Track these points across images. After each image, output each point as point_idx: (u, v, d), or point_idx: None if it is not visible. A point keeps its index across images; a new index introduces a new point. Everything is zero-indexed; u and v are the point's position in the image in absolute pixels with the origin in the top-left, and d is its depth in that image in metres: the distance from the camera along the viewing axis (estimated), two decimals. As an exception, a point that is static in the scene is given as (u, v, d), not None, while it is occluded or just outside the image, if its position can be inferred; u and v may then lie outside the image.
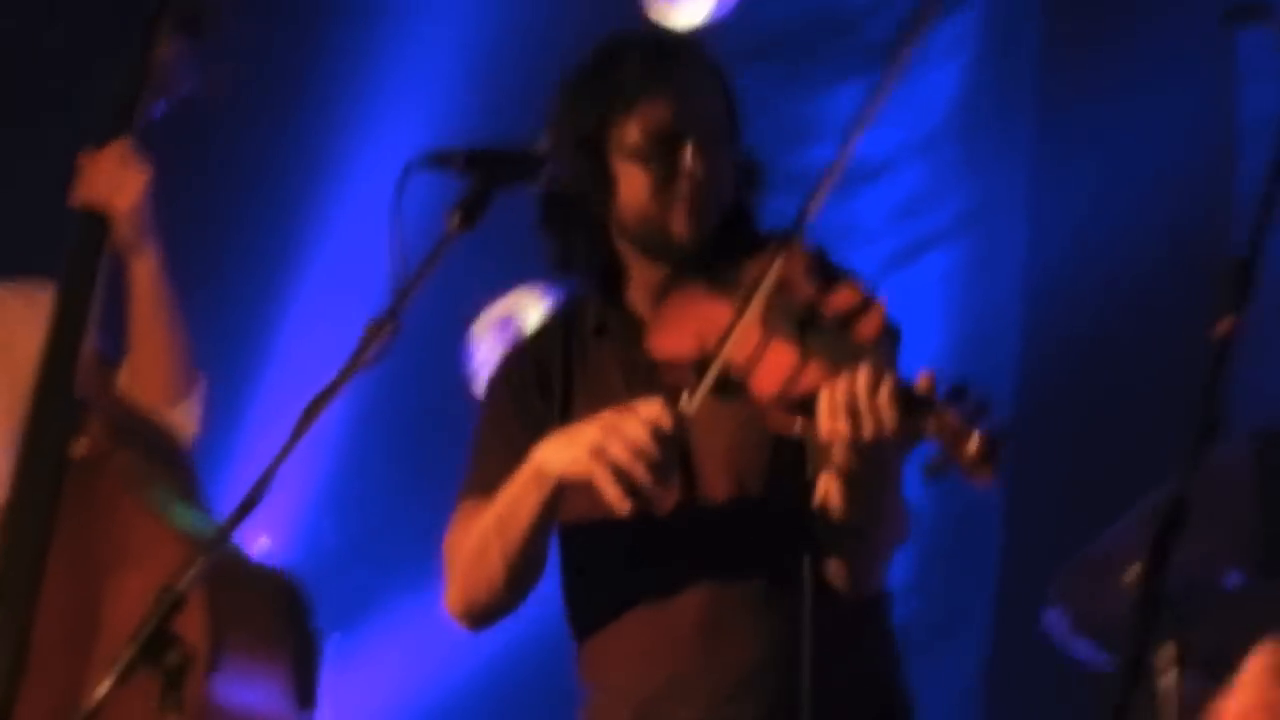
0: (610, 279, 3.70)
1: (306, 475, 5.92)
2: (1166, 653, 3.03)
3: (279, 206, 6.19)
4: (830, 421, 3.26)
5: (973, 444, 3.15)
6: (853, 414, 3.23)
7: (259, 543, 5.63)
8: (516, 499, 3.50)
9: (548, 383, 3.73)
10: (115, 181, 4.08)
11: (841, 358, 3.29)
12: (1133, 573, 3.18)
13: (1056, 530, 3.85)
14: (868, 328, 3.40)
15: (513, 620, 6.32)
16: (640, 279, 3.67)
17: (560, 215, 3.69)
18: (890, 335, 3.49)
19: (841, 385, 3.24)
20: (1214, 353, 2.92)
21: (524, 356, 3.83)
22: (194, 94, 4.18)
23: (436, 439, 6.40)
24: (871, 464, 3.34)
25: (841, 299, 3.44)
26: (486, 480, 3.59)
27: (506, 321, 6.50)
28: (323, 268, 6.06)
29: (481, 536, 3.57)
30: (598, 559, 3.67)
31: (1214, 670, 3.46)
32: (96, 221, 4.08)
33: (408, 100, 6.28)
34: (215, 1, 4.18)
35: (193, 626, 3.47)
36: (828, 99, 4.28)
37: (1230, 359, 2.95)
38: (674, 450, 3.34)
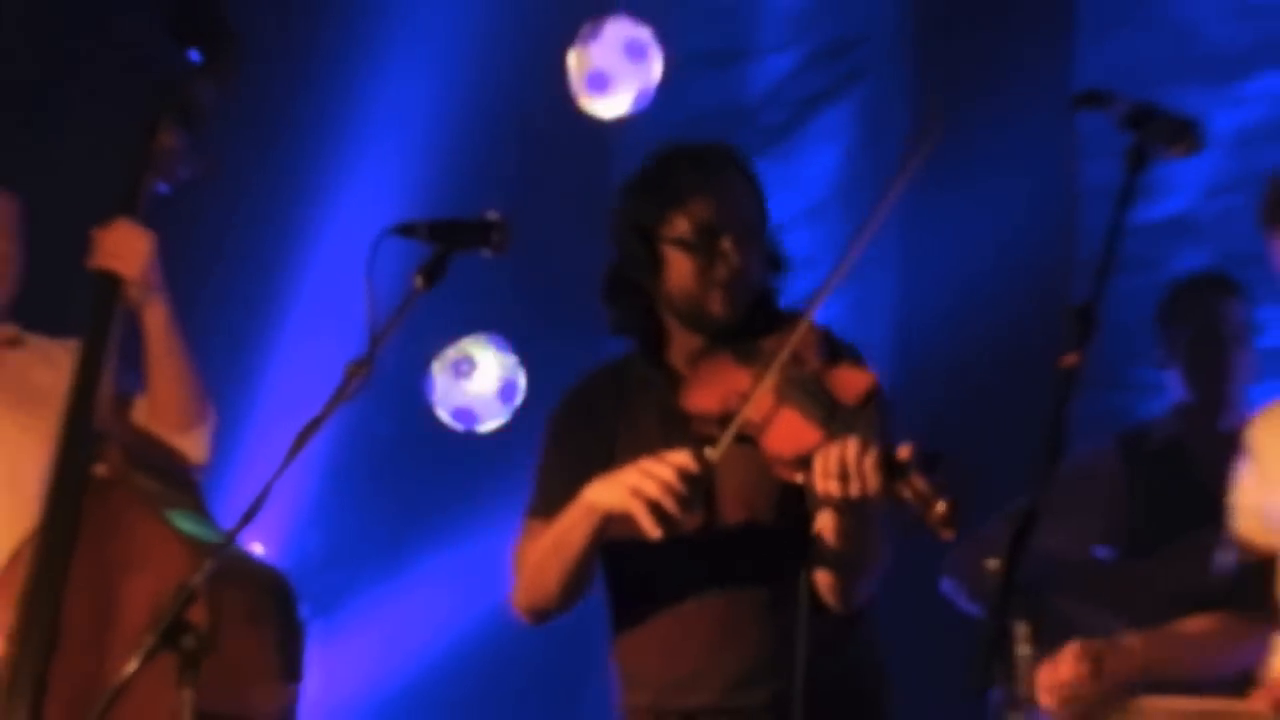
0: (654, 341, 3.83)
1: (294, 492, 5.86)
2: (1022, 629, 3.09)
3: (267, 266, 6.13)
4: (823, 481, 3.39)
5: (939, 508, 3.28)
6: (841, 478, 3.36)
7: (253, 549, 5.53)
8: (570, 528, 3.66)
9: (598, 422, 3.85)
10: (124, 250, 4.05)
11: (837, 427, 3.43)
12: (994, 564, 3.06)
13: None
14: (862, 399, 3.51)
15: (466, 612, 6.32)
16: (680, 344, 3.79)
17: (618, 289, 3.84)
18: (881, 404, 3.57)
19: (834, 452, 3.37)
20: (1061, 381, 2.97)
21: (581, 399, 3.96)
22: (191, 177, 4.16)
23: (401, 460, 6.50)
24: (857, 513, 3.45)
25: (841, 373, 3.57)
26: (548, 504, 3.77)
27: (459, 362, 6.39)
28: (305, 318, 6.02)
29: (542, 554, 3.74)
30: (634, 571, 3.77)
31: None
32: (110, 283, 4.03)
33: (374, 170, 6.26)
34: (209, 99, 4.12)
35: (197, 614, 3.43)
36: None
37: (1075, 386, 2.99)
38: (698, 489, 3.48)
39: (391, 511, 6.43)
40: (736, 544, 3.71)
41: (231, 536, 3.52)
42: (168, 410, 4.13)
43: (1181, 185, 5.93)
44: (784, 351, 3.51)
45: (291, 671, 3.91)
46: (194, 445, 4.14)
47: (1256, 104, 6.10)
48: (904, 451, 3.33)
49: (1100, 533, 4.71)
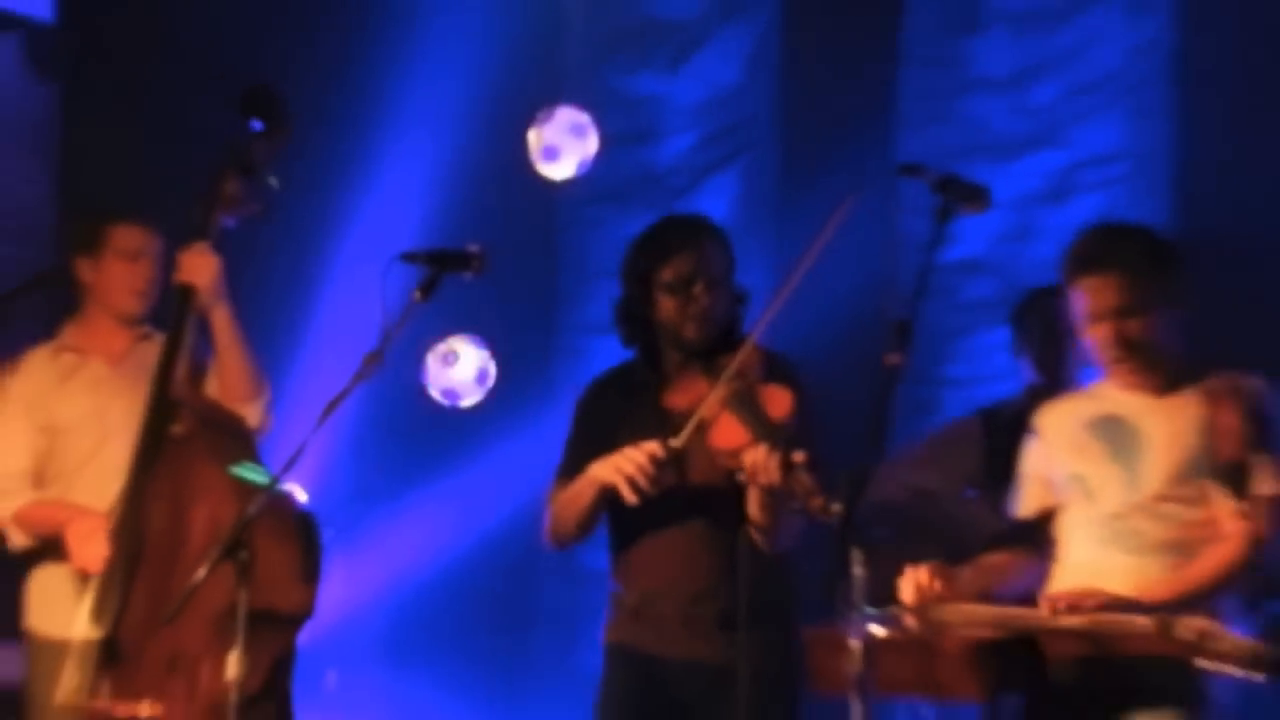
0: (652, 353, 3.89)
1: (325, 448, 5.70)
2: (857, 555, 2.95)
3: (305, 280, 6.12)
4: (747, 473, 3.51)
5: (817, 501, 3.33)
6: (754, 472, 3.48)
7: (294, 489, 5.44)
8: (580, 491, 3.77)
9: (608, 410, 3.91)
10: (197, 268, 4.03)
11: (760, 433, 3.50)
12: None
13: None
14: (781, 411, 3.57)
15: (451, 537, 6.20)
16: (668, 357, 3.85)
17: (625, 316, 3.90)
18: (802, 413, 3.61)
19: (753, 453, 3.48)
20: (887, 375, 3.08)
21: (598, 390, 4.02)
22: (250, 215, 4.13)
23: (404, 425, 6.36)
24: (771, 493, 3.54)
25: (771, 391, 3.62)
26: (568, 469, 3.85)
27: (447, 355, 6.34)
28: (332, 319, 5.97)
29: (562, 506, 3.84)
30: (626, 517, 3.78)
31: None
32: (187, 292, 4.03)
33: (384, 211, 6.24)
34: (266, 158, 4.09)
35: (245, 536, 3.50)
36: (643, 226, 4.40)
37: (897, 378, 3.09)
38: (666, 467, 3.61)
39: (396, 462, 6.35)
40: (698, 501, 3.75)
41: (275, 482, 3.58)
42: (232, 387, 4.09)
43: (973, 235, 5.85)
44: (731, 368, 3.58)
45: (311, 577, 3.85)
46: (253, 413, 4.09)
47: (1029, 178, 6.02)
48: (798, 457, 3.39)
49: (966, 479, 4.62)
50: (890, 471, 4.08)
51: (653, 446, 3.61)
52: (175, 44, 6.48)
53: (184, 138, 6.07)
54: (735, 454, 3.55)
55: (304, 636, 5.33)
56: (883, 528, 3.59)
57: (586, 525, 3.86)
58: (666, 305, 3.82)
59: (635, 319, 3.90)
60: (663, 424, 3.67)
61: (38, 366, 4.25)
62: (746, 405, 3.58)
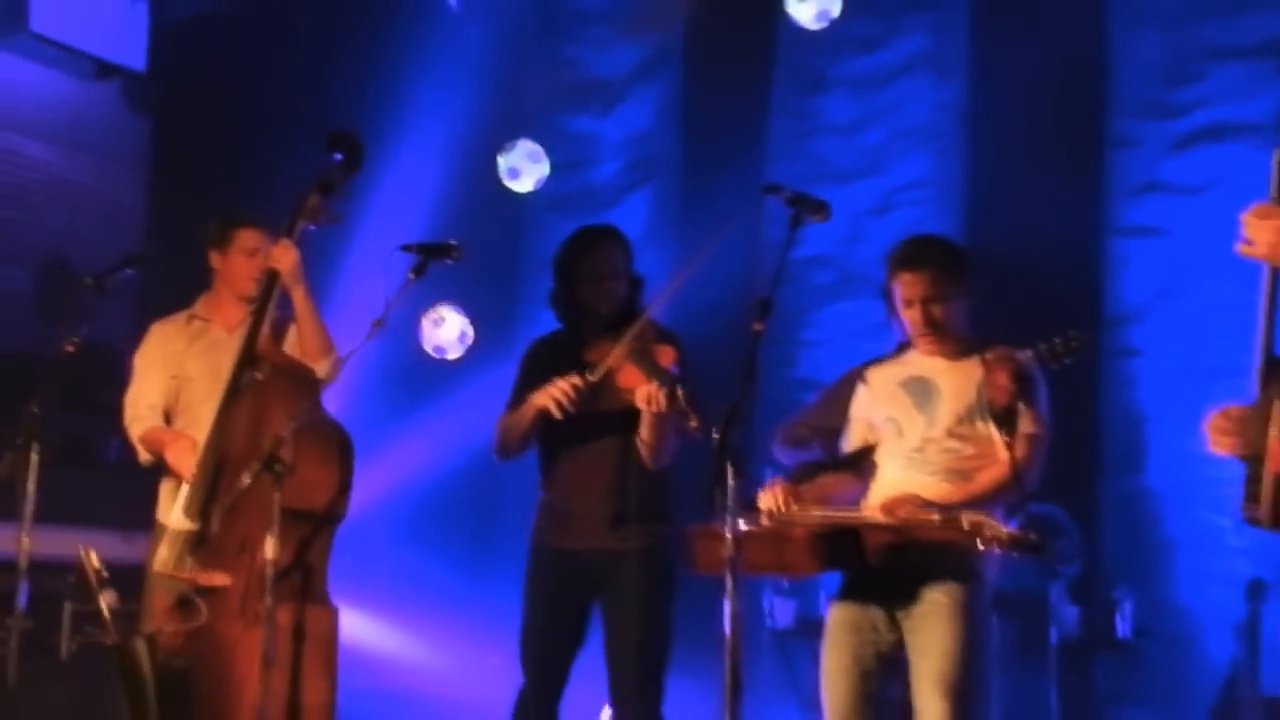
0: (575, 324, 3.80)
1: (352, 386, 5.52)
2: (730, 470, 2.85)
3: (340, 265, 5.85)
4: (640, 402, 3.48)
5: (692, 423, 3.33)
6: (648, 401, 3.45)
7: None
8: (523, 414, 3.71)
9: (541, 363, 3.80)
10: (281, 258, 3.91)
11: (651, 373, 3.48)
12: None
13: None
14: (667, 361, 3.54)
15: (443, 453, 6.13)
16: (587, 328, 3.75)
17: (557, 301, 3.83)
18: (681, 365, 3.57)
19: (644, 389, 3.45)
20: (752, 338, 3.02)
21: (535, 350, 3.91)
22: (326, 223, 3.99)
23: (406, 372, 6.26)
24: (658, 418, 3.52)
25: (661, 348, 3.58)
26: (514, 403, 3.78)
27: (436, 319, 6.26)
28: (352, 290, 5.66)
29: (508, 428, 3.78)
30: (551, 439, 3.76)
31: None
32: (273, 275, 3.90)
33: (392, 211, 6.10)
34: (341, 181, 3.95)
35: (286, 453, 3.47)
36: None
37: (760, 341, 3.03)
38: (583, 393, 3.57)
39: (402, 399, 6.23)
40: (603, 422, 3.68)
41: (309, 411, 3.56)
42: (307, 347, 3.96)
43: (819, 239, 5.81)
44: (631, 331, 3.55)
45: (344, 489, 3.76)
46: (323, 367, 3.94)
47: (861, 198, 5.99)
48: (679, 390, 3.39)
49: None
50: (800, 418, 3.97)
51: (575, 378, 3.58)
52: (237, 91, 6.47)
53: (241, 161, 6.24)
54: (634, 391, 3.50)
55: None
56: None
57: (524, 442, 3.80)
58: (585, 290, 3.76)
59: (562, 300, 3.85)
60: (583, 368, 3.62)
61: (174, 329, 4.17)
62: (643, 357, 3.53)
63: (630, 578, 3.66)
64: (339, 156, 3.93)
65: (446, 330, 6.27)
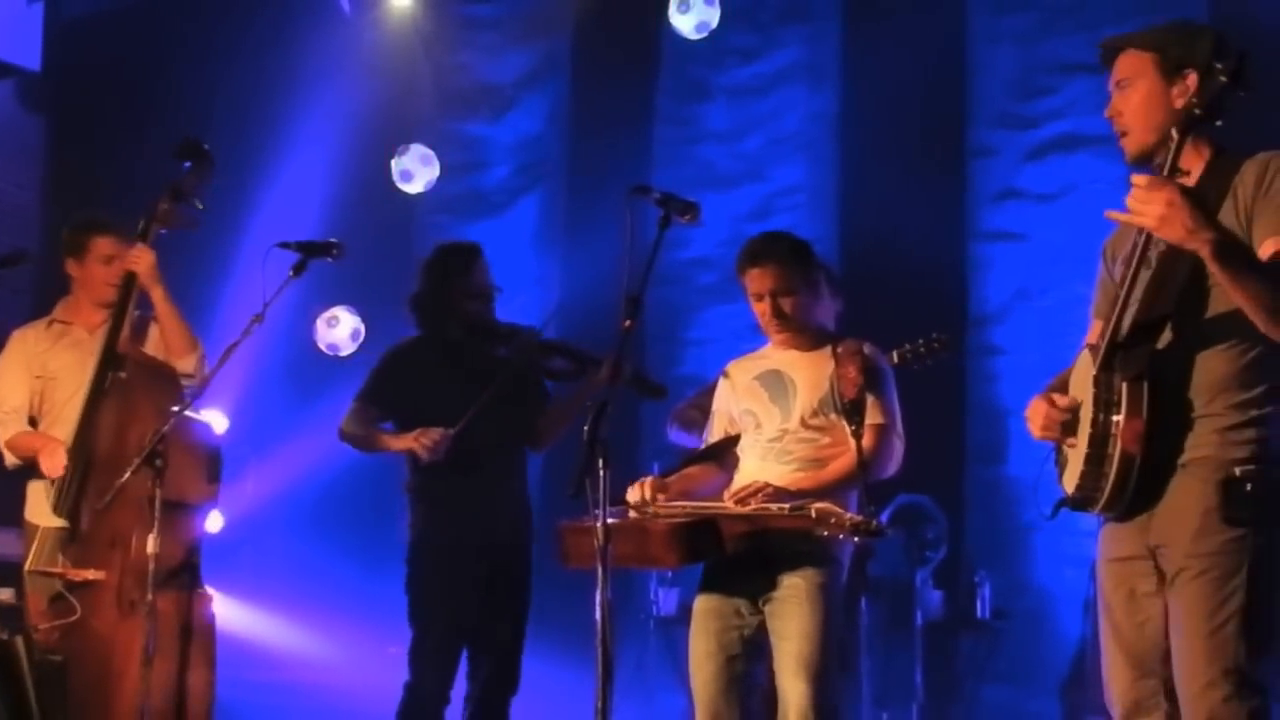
0: (436, 329, 3.92)
1: (243, 383, 5.60)
2: (597, 458, 2.79)
3: (218, 264, 5.74)
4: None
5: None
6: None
7: (213, 415, 5.19)
8: (376, 443, 4.03)
9: (402, 362, 3.93)
10: (137, 261, 3.88)
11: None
12: (588, 432, 2.95)
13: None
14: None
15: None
16: (449, 332, 3.86)
17: (434, 311, 3.92)
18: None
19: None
20: (622, 335, 3.03)
21: (398, 351, 4.01)
22: (181, 228, 3.98)
23: (300, 370, 6.19)
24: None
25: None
26: (368, 395, 3.93)
27: (330, 319, 6.16)
28: (236, 290, 5.52)
29: (358, 439, 4.02)
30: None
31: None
32: (129, 277, 3.89)
33: (278, 212, 5.96)
34: (193, 187, 3.93)
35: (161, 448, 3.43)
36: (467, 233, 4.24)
37: (630, 339, 3.04)
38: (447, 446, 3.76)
39: (294, 393, 6.13)
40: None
41: (185, 407, 3.51)
42: (170, 345, 3.94)
43: (703, 241, 5.80)
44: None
45: (213, 478, 3.75)
46: (187, 365, 3.91)
47: (742, 203, 6.00)
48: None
49: None
50: (691, 401, 4.00)
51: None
52: (132, 90, 6.35)
53: (136, 160, 5.99)
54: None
55: (229, 520, 5.19)
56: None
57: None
58: (469, 305, 3.83)
59: (438, 311, 3.87)
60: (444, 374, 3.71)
61: (35, 333, 4.08)
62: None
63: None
64: (188, 165, 3.92)
65: (340, 329, 6.20)
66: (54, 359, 4.00)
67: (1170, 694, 2.39)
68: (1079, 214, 5.42)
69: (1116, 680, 2.45)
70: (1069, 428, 2.44)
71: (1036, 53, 5.60)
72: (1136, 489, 2.32)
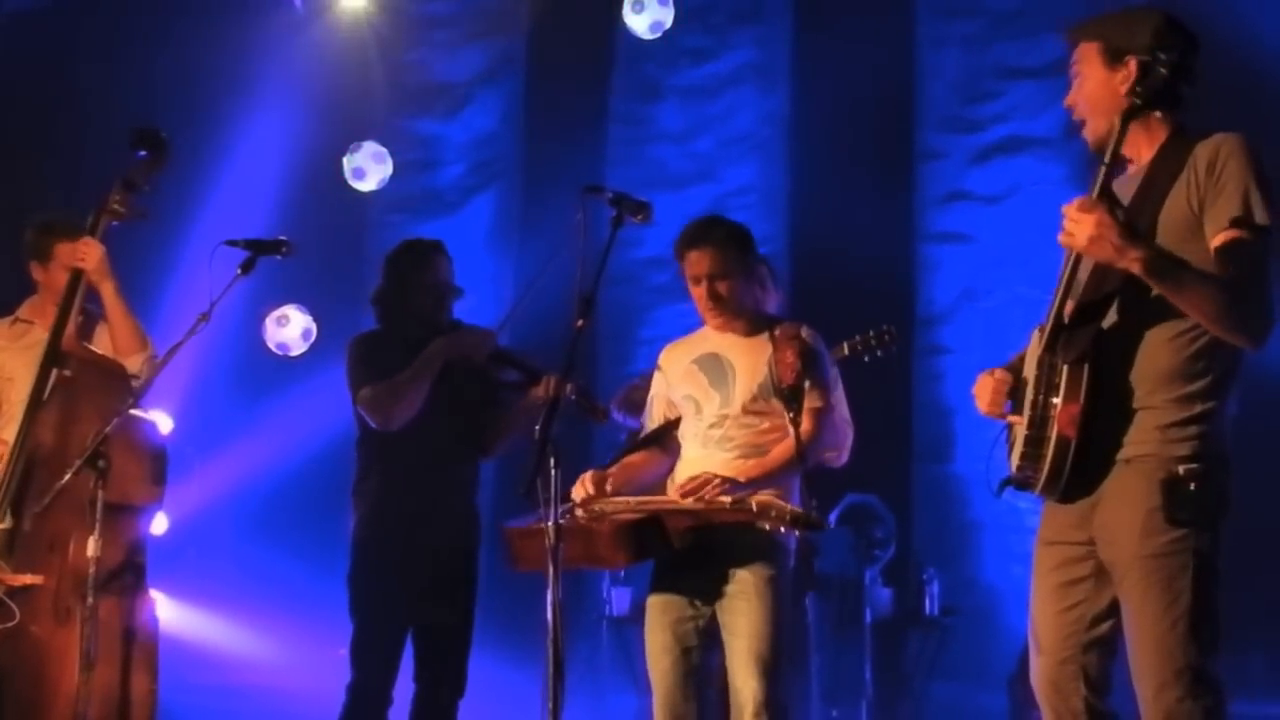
0: (396, 324, 3.76)
1: (190, 382, 5.38)
2: (550, 459, 2.76)
3: (166, 260, 5.53)
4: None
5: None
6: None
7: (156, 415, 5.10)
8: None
9: (382, 345, 3.72)
10: (85, 256, 3.71)
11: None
12: (539, 432, 2.87)
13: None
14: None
15: (286, 448, 5.92)
16: (408, 329, 3.70)
17: (392, 307, 3.76)
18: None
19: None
20: (576, 334, 2.93)
21: (367, 340, 3.80)
22: (130, 218, 3.76)
23: (250, 368, 6.06)
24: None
25: None
26: (378, 374, 3.65)
27: (280, 317, 6.04)
28: (183, 286, 5.31)
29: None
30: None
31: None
32: (76, 274, 3.70)
33: (229, 208, 5.82)
34: (145, 178, 3.74)
35: (104, 447, 3.26)
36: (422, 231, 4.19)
37: (581, 337, 2.94)
38: None
39: (244, 392, 6.04)
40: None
41: (130, 407, 3.36)
42: (119, 343, 3.77)
43: (656, 240, 5.58)
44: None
45: (158, 480, 3.59)
46: (135, 363, 3.74)
47: (694, 202, 5.85)
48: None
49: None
50: (636, 383, 3.97)
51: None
52: (77, 83, 6.18)
53: (79, 153, 5.91)
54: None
55: (174, 522, 5.03)
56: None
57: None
58: (424, 301, 3.72)
59: (395, 307, 3.77)
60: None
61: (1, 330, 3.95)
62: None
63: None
64: (143, 154, 3.75)
65: (291, 329, 6.07)
66: (12, 358, 3.84)
67: (1089, 681, 2.36)
68: (1023, 215, 5.44)
69: (1038, 661, 2.42)
70: (1018, 404, 2.38)
71: (982, 58, 5.65)
72: (1073, 472, 2.27)
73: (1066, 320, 2.29)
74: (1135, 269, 2.20)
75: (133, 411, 3.45)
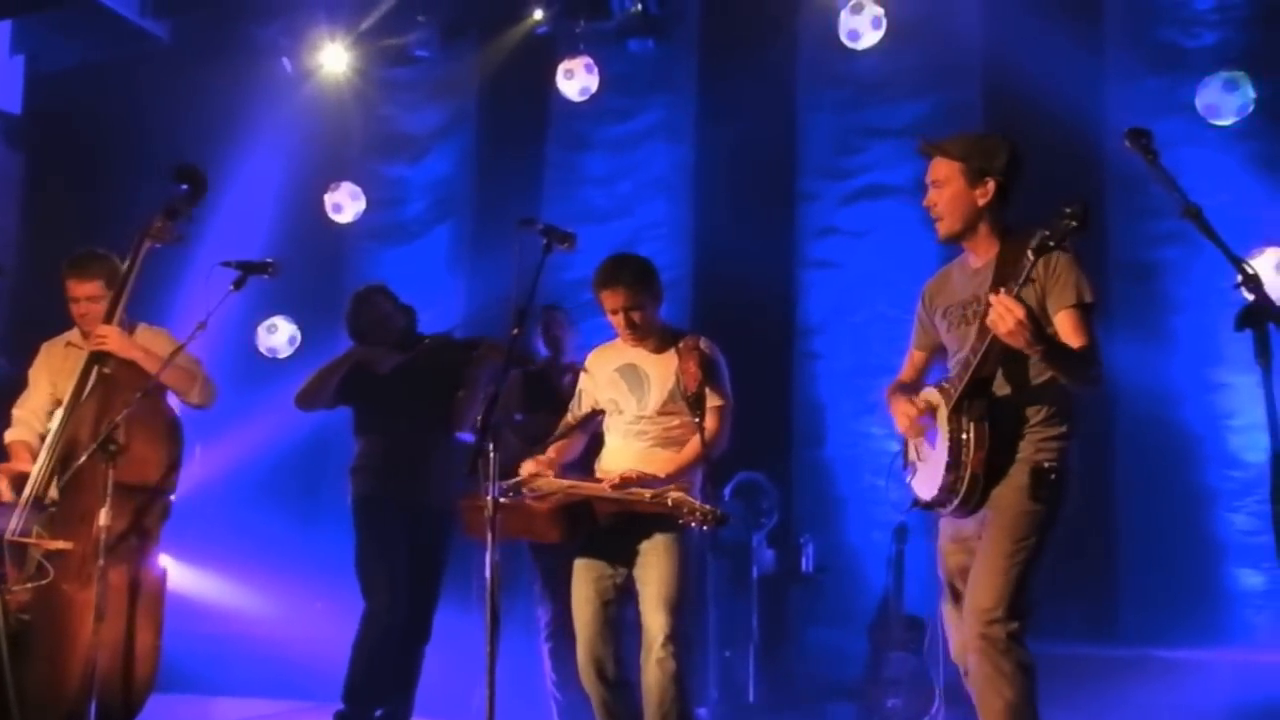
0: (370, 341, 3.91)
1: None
2: (490, 447, 2.80)
3: (178, 276, 5.22)
4: None
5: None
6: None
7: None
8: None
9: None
10: (105, 339, 3.56)
11: None
12: (480, 421, 2.89)
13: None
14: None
15: (277, 431, 5.80)
16: (376, 344, 3.91)
17: (355, 336, 3.93)
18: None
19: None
20: (510, 341, 2.99)
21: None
22: (170, 244, 3.67)
23: (246, 369, 5.97)
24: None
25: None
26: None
27: (270, 325, 6.04)
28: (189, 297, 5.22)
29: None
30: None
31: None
32: (102, 355, 3.55)
33: (226, 235, 5.64)
34: (186, 208, 3.64)
35: (121, 434, 3.26)
36: (391, 258, 4.10)
37: (518, 342, 2.98)
38: None
39: (239, 389, 5.64)
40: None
41: (140, 396, 3.27)
42: (175, 390, 3.61)
43: (583, 265, 5.58)
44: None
45: (174, 466, 3.52)
46: (195, 399, 3.61)
47: (615, 235, 5.87)
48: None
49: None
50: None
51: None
52: (103, 132, 6.19)
53: (104, 192, 5.95)
54: None
55: (180, 494, 4.97)
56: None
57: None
58: (370, 335, 3.89)
59: (356, 337, 3.94)
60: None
61: (58, 349, 3.81)
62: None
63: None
64: (185, 187, 3.67)
65: (279, 336, 6.06)
66: (64, 380, 3.73)
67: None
68: (883, 248, 5.57)
69: (956, 635, 2.70)
70: (921, 431, 2.72)
71: (850, 119, 5.76)
72: (980, 496, 2.64)
73: (967, 388, 2.62)
74: (1035, 354, 2.53)
75: (162, 406, 3.44)
